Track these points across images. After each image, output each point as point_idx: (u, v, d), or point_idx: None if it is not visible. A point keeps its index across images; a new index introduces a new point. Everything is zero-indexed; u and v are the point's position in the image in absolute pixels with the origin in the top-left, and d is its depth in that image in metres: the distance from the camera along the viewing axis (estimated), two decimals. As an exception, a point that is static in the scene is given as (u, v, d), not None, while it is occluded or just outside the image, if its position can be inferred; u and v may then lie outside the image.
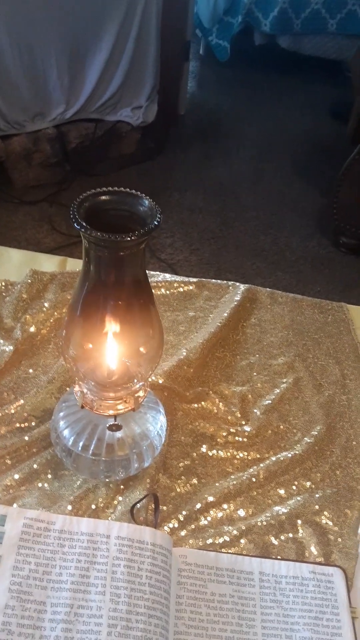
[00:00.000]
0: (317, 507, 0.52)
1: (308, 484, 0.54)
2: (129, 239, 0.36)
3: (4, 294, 0.67)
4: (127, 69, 1.91)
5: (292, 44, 2.73)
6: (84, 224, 0.37)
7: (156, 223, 0.38)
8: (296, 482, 0.54)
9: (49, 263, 0.73)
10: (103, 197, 0.39)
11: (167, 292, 0.72)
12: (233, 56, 2.74)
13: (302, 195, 2.11)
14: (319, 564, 0.47)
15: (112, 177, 2.02)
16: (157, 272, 0.74)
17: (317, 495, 0.53)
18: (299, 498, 0.53)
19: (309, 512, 0.52)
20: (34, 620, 0.38)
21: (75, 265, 0.73)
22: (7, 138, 1.83)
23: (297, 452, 0.56)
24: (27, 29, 1.67)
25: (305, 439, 0.58)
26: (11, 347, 0.60)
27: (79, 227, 0.37)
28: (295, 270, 1.77)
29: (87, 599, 0.39)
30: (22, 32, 1.66)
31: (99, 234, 0.36)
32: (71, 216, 0.37)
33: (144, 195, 0.40)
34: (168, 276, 0.74)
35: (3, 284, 0.68)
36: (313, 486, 0.54)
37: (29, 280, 0.68)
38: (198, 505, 0.51)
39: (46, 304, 0.66)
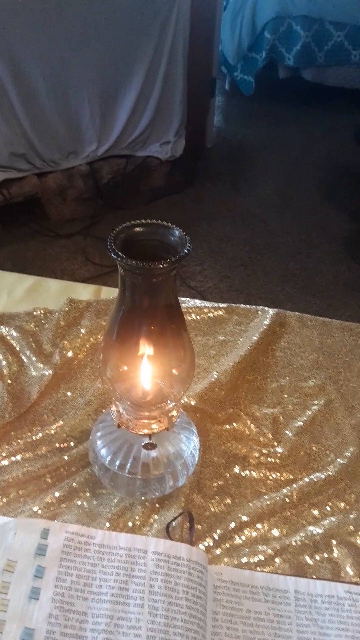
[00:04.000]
0: (352, 527, 0.52)
1: (342, 504, 0.55)
2: (161, 266, 0.39)
3: (43, 321, 0.71)
4: (156, 106, 2.00)
5: (316, 76, 2.79)
6: (120, 253, 0.40)
7: (186, 251, 0.40)
8: (330, 503, 0.55)
9: (84, 292, 0.77)
10: (137, 229, 0.42)
11: (198, 317, 0.74)
12: (258, 90, 2.81)
13: (330, 220, 2.12)
14: (355, 583, 0.47)
15: (142, 209, 2.08)
16: (188, 299, 0.77)
17: (351, 516, 0.53)
18: (333, 519, 0.53)
19: (344, 533, 0.52)
20: (77, 630, 0.39)
21: (109, 293, 0.77)
22: (43, 175, 1.92)
23: (330, 473, 0.56)
24: (61, 72, 1.77)
25: (338, 460, 0.58)
26: (50, 372, 0.63)
27: (115, 257, 0.40)
28: (326, 295, 1.78)
29: (126, 610, 0.41)
30: (56, 75, 1.77)
31: (134, 262, 0.39)
32: (108, 247, 0.40)
33: (174, 225, 0.43)
34: (198, 302, 0.76)
35: (42, 312, 0.72)
36: (347, 507, 0.54)
37: (66, 308, 0.71)
38: (232, 525, 0.52)
39: (82, 330, 0.69)
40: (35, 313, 0.71)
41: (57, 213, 2.01)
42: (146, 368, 0.48)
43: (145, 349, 0.46)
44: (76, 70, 1.79)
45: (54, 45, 1.72)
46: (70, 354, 0.66)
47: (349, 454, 0.58)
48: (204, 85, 2.27)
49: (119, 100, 1.94)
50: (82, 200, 2.03)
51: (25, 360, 0.65)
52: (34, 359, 0.65)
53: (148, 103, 1.98)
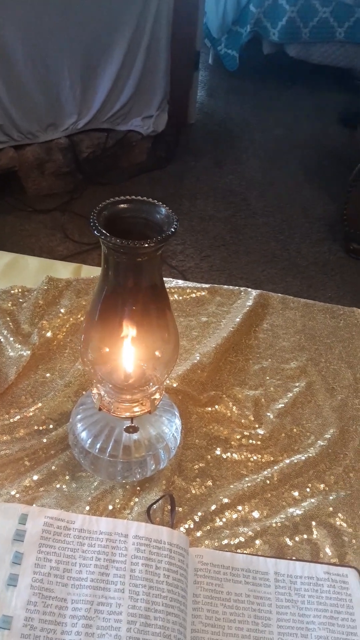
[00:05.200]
0: (331, 509, 0.53)
1: (322, 486, 0.55)
2: (147, 245, 0.38)
3: (20, 300, 0.69)
4: (138, 79, 1.95)
5: (301, 53, 2.75)
6: (104, 231, 0.38)
7: (173, 230, 0.39)
8: (310, 485, 0.55)
9: (64, 270, 0.75)
10: (121, 205, 0.41)
11: (180, 297, 0.73)
12: (242, 65, 2.76)
13: (313, 201, 2.12)
14: (334, 564, 0.48)
15: (123, 185, 2.04)
16: (170, 279, 0.75)
17: (331, 498, 0.54)
18: (313, 500, 0.53)
19: (323, 514, 0.52)
20: (56, 616, 0.39)
21: (89, 272, 0.75)
22: (20, 148, 1.86)
23: (310, 455, 0.57)
24: (41, 41, 1.70)
25: (319, 442, 0.58)
26: (28, 352, 0.62)
27: (99, 235, 0.38)
28: (306, 276, 1.78)
29: (106, 596, 0.40)
30: (35, 44, 1.70)
31: (117, 240, 0.38)
32: (91, 224, 0.39)
33: (161, 203, 0.41)
34: (181, 282, 0.75)
35: (20, 290, 0.69)
36: (327, 488, 0.55)
37: (45, 287, 0.69)
38: (213, 507, 0.51)
39: (62, 310, 0.67)
40: (12, 291, 0.69)
41: (35, 187, 1.96)
42: (129, 350, 0.46)
43: (129, 330, 0.45)
44: (56, 38, 1.72)
45: (34, 11, 1.64)
46: (49, 334, 0.65)
47: (329, 436, 0.59)
48: (188, 59, 2.21)
49: (100, 72, 1.88)
50: (60, 174, 1.97)
51: (2, 340, 0.63)
52: (11, 339, 0.63)
53: (130, 75, 1.92)
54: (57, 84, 1.82)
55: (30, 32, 1.67)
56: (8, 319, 0.66)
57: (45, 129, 1.89)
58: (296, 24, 2.62)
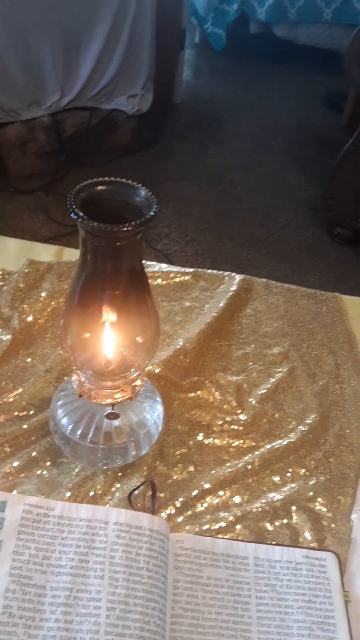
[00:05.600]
0: (311, 493, 0.53)
1: (302, 471, 0.55)
2: (125, 229, 0.37)
3: (1, 283, 0.67)
4: (123, 57, 1.90)
5: (288, 33, 2.71)
6: (81, 214, 0.37)
7: (152, 213, 0.38)
8: (290, 470, 0.55)
9: (46, 253, 0.73)
10: (99, 187, 0.40)
11: (164, 282, 0.72)
12: (229, 45, 2.71)
13: (297, 185, 2.11)
14: (313, 549, 0.48)
15: (107, 167, 2.01)
16: (154, 262, 0.74)
17: (311, 482, 0.54)
18: (293, 485, 0.54)
19: (303, 499, 0.53)
20: (35, 603, 0.38)
21: (72, 255, 0.73)
22: (2, 126, 1.82)
23: (291, 440, 0.57)
24: (22, 17, 1.65)
25: (300, 427, 0.58)
26: (9, 337, 0.61)
27: (76, 217, 0.37)
28: (290, 261, 1.78)
29: (86, 583, 0.40)
30: (16, 20, 1.65)
31: (95, 224, 0.36)
32: (68, 206, 0.37)
33: (140, 185, 0.40)
34: (164, 266, 0.74)
35: (0, 273, 0.68)
36: (307, 473, 0.55)
37: (26, 270, 0.68)
38: (194, 492, 0.51)
39: (43, 294, 0.66)
40: (-9, 274, 0.68)
41: (17, 167, 1.91)
42: (109, 336, 0.46)
43: (108, 315, 0.44)
44: (36, 15, 1.67)
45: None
46: (30, 318, 0.64)
47: (310, 421, 0.59)
48: (173, 37, 2.16)
49: (83, 49, 1.83)
50: (43, 154, 1.93)
51: (-19, 324, 0.62)
52: (-10, 323, 0.62)
53: (114, 53, 1.88)
54: (39, 60, 1.77)
55: (10, 8, 1.61)
56: (-13, 303, 0.64)
57: (28, 107, 1.84)
58: (283, 4, 2.57)
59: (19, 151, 1.88)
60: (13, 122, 1.83)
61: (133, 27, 1.86)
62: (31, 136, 1.87)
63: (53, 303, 0.66)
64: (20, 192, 1.86)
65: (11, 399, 0.56)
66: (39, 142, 1.89)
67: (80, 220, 0.37)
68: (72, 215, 0.37)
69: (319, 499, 0.53)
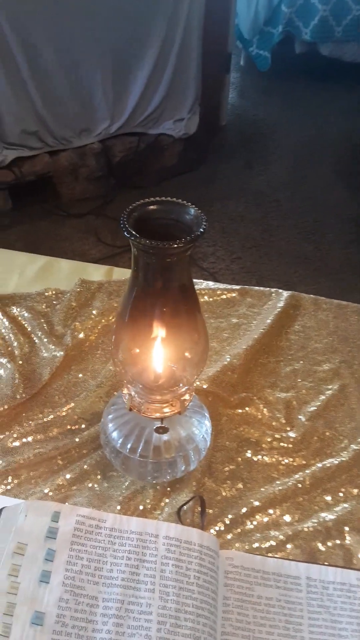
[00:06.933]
0: (365, 514, 0.52)
1: (355, 491, 0.54)
2: (176, 245, 0.38)
3: (54, 302, 0.70)
4: (170, 82, 1.96)
5: (334, 52, 2.71)
6: (134, 232, 0.38)
7: (202, 230, 0.39)
8: (343, 489, 0.54)
9: (96, 272, 0.76)
10: (151, 207, 0.41)
11: (210, 299, 0.73)
12: (274, 66, 2.74)
13: (344, 201, 2.08)
14: (368, 571, 0.46)
15: (155, 188, 2.06)
16: (200, 280, 0.75)
17: (364, 503, 0.53)
18: (346, 505, 0.52)
19: (356, 519, 0.51)
20: (87, 614, 0.39)
21: (121, 274, 0.76)
22: (55, 154, 1.90)
23: (343, 459, 0.56)
24: (73, 47, 1.73)
25: (352, 446, 0.57)
26: (62, 353, 0.63)
27: (128, 236, 0.38)
28: (338, 278, 1.75)
29: (137, 595, 0.40)
30: (67, 50, 1.73)
31: (147, 241, 0.38)
32: (121, 225, 0.39)
33: (190, 204, 0.41)
34: (211, 284, 0.75)
35: (54, 292, 0.71)
36: (360, 493, 0.53)
37: (78, 289, 0.70)
38: (244, 510, 0.51)
39: (94, 312, 0.68)
40: (46, 294, 0.70)
41: (69, 192, 1.99)
42: (159, 351, 0.47)
43: (158, 331, 0.45)
44: (88, 45, 1.75)
45: (65, 18, 1.67)
46: (81, 335, 0.66)
47: (363, 440, 0.57)
48: (219, 61, 2.21)
49: (132, 76, 1.90)
50: (94, 179, 2.00)
51: (36, 341, 0.65)
52: (45, 340, 0.64)
53: (162, 78, 1.94)
54: (90, 89, 1.85)
55: (61, 39, 1.70)
56: (42, 320, 0.67)
57: (79, 135, 1.92)
58: (329, 23, 2.59)
59: (71, 177, 1.96)
60: (65, 149, 1.91)
61: (180, 53, 1.91)
62: (82, 162, 1.95)
63: (103, 320, 0.68)
64: (71, 216, 1.93)
65: (64, 413, 0.58)
66: (90, 167, 1.97)
67: (132, 238, 0.38)
68: (125, 233, 0.38)
69: (374, 520, 0.51)
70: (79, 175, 1.97)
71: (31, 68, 1.70)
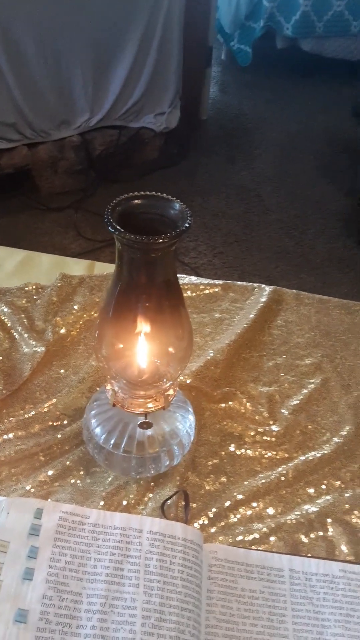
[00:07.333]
0: (347, 506, 0.52)
1: (337, 483, 0.54)
2: (161, 240, 0.38)
3: (35, 297, 0.69)
4: (150, 76, 1.94)
5: (315, 47, 2.72)
6: (118, 227, 0.38)
7: (187, 225, 0.39)
8: (325, 482, 0.54)
9: (77, 267, 0.75)
10: (135, 201, 0.41)
11: (193, 294, 0.73)
12: (255, 60, 2.75)
13: (326, 196, 2.10)
14: (350, 562, 0.47)
15: (136, 183, 2.04)
16: (183, 275, 0.75)
17: (347, 495, 0.53)
18: (328, 497, 0.53)
19: (339, 511, 0.52)
20: (71, 610, 0.39)
21: (102, 269, 0.75)
22: (33, 146, 1.87)
23: (326, 452, 0.56)
24: (53, 38, 1.71)
25: (334, 439, 0.58)
26: (43, 348, 0.62)
27: (113, 230, 0.38)
28: (321, 273, 1.77)
29: (121, 590, 0.40)
30: (48, 41, 1.70)
31: (132, 236, 0.37)
32: (105, 220, 0.39)
33: (175, 198, 0.41)
34: (194, 279, 0.75)
35: (34, 287, 0.70)
36: (343, 485, 0.54)
37: (59, 284, 0.69)
38: (227, 503, 0.51)
39: (75, 307, 0.68)
40: (26, 288, 0.70)
41: (48, 185, 1.97)
42: (143, 346, 0.46)
43: (142, 326, 0.45)
44: (68, 36, 1.73)
45: (45, 9, 1.65)
46: (63, 330, 0.65)
47: (345, 433, 0.58)
48: (200, 55, 2.20)
49: (113, 69, 1.88)
50: (73, 172, 1.98)
51: (17, 336, 0.64)
52: (25, 335, 0.64)
53: (142, 72, 1.92)
54: (70, 81, 1.82)
55: (41, 29, 1.67)
56: (22, 315, 0.66)
57: (58, 127, 1.89)
58: (310, 18, 2.60)
59: (50, 170, 1.94)
60: (44, 142, 1.88)
61: (160, 46, 1.90)
62: (61, 155, 1.92)
63: (85, 315, 0.67)
64: (51, 210, 1.91)
65: (45, 409, 0.57)
66: (69, 160, 1.94)
67: (117, 232, 0.38)
68: (109, 228, 0.38)
69: (355, 512, 0.52)
70: (58, 168, 1.95)
71: (9, 58, 1.67)
